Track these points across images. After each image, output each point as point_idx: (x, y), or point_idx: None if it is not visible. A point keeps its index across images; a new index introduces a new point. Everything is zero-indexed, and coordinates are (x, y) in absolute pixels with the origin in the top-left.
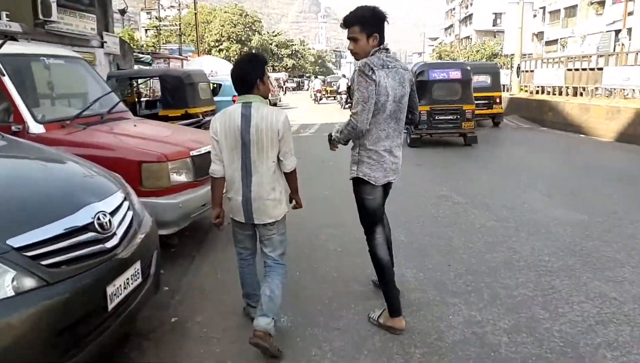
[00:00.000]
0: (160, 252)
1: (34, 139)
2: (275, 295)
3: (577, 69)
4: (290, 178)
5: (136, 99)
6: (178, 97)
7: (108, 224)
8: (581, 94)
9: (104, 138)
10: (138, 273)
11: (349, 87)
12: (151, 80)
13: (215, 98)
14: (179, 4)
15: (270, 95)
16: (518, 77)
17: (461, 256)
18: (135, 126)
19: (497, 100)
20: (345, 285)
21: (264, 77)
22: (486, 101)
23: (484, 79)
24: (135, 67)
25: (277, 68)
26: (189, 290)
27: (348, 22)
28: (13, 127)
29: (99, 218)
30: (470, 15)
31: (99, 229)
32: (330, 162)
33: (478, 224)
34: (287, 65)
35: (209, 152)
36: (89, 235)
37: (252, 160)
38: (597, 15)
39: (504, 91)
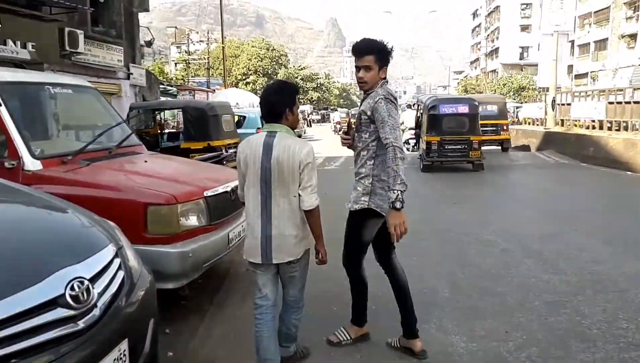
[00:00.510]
0: (168, 307)
1: (29, 177)
2: (292, 331)
3: (619, 102)
4: (311, 219)
5: (158, 131)
6: (200, 130)
7: (85, 295)
8: (618, 129)
9: (108, 176)
10: (124, 355)
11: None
12: (177, 112)
13: (239, 130)
14: (208, 39)
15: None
16: (553, 110)
17: (519, 320)
18: (146, 161)
19: (504, 127)
20: (383, 356)
21: (294, 107)
22: (494, 128)
23: (492, 109)
24: (162, 99)
25: (302, 101)
26: (196, 359)
27: (363, 50)
28: (6, 163)
29: (73, 287)
30: (496, 49)
31: (71, 302)
32: None
33: (533, 278)
34: (312, 98)
35: (227, 192)
36: (57, 311)
37: (272, 193)
38: (628, 49)
39: (540, 124)
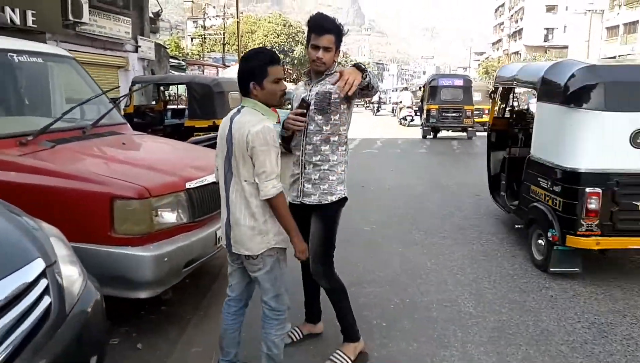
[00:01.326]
0: (144, 315)
1: None
2: (274, 352)
3: None
4: (274, 210)
5: (162, 107)
6: (206, 107)
7: None
8: None
9: (71, 162)
10: None
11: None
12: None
13: None
14: (224, 14)
15: None
16: None
17: (559, 349)
18: (124, 144)
19: (487, 112)
20: None
21: (264, 80)
22: (477, 112)
23: (477, 95)
24: (175, 73)
25: None
26: None
27: (327, 28)
28: None
29: None
30: (520, 30)
31: None
32: (372, 186)
33: (571, 291)
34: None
35: (215, 182)
36: None
37: (232, 173)
38: None
39: None
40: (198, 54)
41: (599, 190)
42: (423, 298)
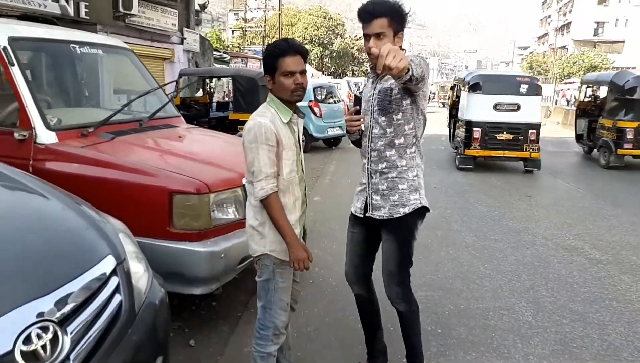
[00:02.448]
0: (195, 311)
1: (41, 151)
2: None
3: None
4: (267, 213)
5: (207, 100)
6: (250, 100)
7: (48, 347)
8: None
9: (130, 155)
10: None
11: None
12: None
13: None
14: (265, 6)
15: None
16: None
17: None
18: (180, 137)
19: None
20: None
21: (275, 73)
22: None
23: None
24: (217, 66)
25: (356, 72)
26: None
27: (374, 12)
28: (17, 134)
29: (29, 338)
30: (568, 24)
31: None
32: (434, 185)
33: (637, 304)
34: (367, 70)
35: None
36: None
37: None
38: None
39: None
40: (238, 47)
41: (479, 129)
42: (478, 305)
